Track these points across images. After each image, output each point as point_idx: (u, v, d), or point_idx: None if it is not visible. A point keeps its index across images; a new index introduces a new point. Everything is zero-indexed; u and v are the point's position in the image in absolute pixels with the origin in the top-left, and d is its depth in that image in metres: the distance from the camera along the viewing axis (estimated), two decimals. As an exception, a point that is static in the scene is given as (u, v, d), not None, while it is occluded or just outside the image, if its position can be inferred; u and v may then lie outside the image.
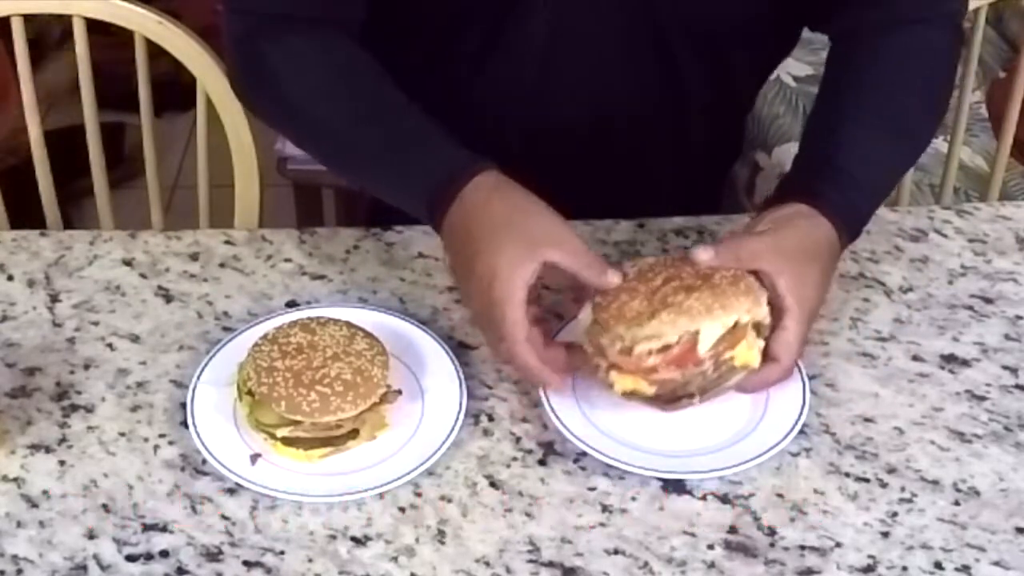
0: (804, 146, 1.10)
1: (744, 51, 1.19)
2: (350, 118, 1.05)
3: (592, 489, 0.94)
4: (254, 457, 0.94)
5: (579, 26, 1.12)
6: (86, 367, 1.04)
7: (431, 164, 1.01)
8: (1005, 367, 1.06)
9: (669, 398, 0.95)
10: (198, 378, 1.00)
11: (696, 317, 0.92)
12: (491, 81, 1.16)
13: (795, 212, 1.00)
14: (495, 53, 1.13)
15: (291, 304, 1.11)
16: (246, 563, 0.88)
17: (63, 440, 0.97)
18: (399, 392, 0.98)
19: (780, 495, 0.94)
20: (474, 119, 1.08)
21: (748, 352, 0.94)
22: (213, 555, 0.89)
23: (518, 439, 0.98)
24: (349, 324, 0.98)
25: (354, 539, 0.90)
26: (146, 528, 0.90)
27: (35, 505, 0.92)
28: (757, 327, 0.95)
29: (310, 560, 0.89)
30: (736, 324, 0.93)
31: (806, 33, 1.22)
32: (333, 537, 0.90)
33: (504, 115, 1.18)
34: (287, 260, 1.16)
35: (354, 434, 0.95)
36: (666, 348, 0.92)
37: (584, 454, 0.96)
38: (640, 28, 1.12)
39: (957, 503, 0.94)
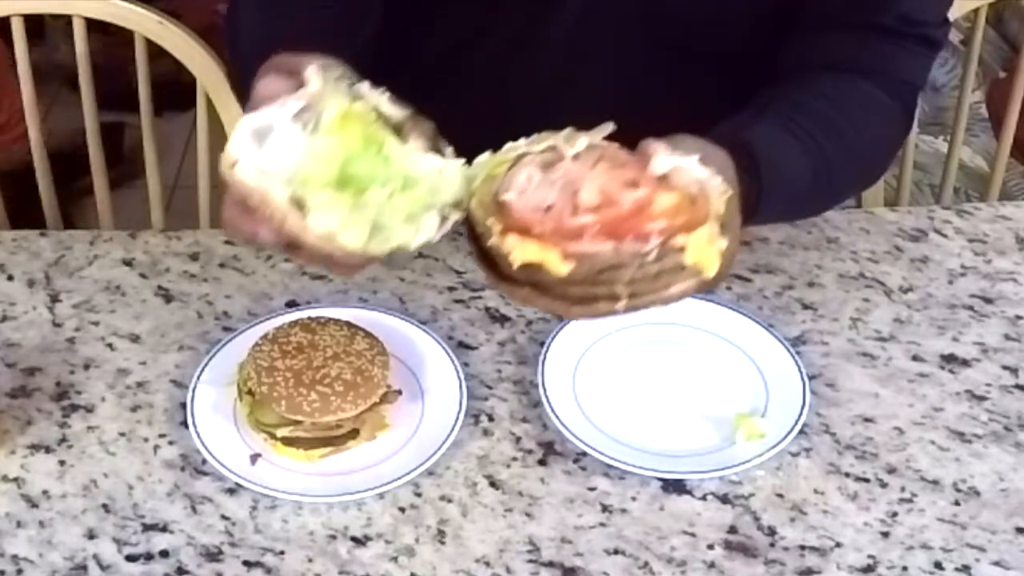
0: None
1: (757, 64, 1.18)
2: None
3: (592, 489, 0.94)
4: (254, 457, 0.94)
5: (601, 40, 1.12)
6: (86, 367, 1.04)
7: None
8: (1005, 367, 1.06)
9: (583, 295, 0.69)
10: (198, 378, 1.00)
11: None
12: (509, 79, 1.16)
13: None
14: (516, 54, 1.13)
15: (291, 304, 1.11)
16: (246, 563, 0.88)
17: (63, 440, 0.97)
18: (399, 392, 0.98)
19: (780, 495, 0.94)
20: (489, 115, 1.07)
21: (707, 248, 0.69)
22: (213, 555, 0.89)
23: (518, 439, 0.98)
24: (349, 324, 0.98)
25: (354, 539, 0.90)
26: (146, 528, 0.90)
27: (35, 505, 0.92)
28: (721, 226, 0.71)
29: (310, 560, 0.89)
30: (697, 197, 0.70)
31: None
32: (333, 537, 0.90)
33: (518, 115, 1.17)
34: (287, 260, 1.15)
35: (354, 434, 0.95)
36: (609, 205, 0.68)
37: (584, 454, 0.96)
38: (660, 42, 1.12)
39: (957, 503, 0.94)
